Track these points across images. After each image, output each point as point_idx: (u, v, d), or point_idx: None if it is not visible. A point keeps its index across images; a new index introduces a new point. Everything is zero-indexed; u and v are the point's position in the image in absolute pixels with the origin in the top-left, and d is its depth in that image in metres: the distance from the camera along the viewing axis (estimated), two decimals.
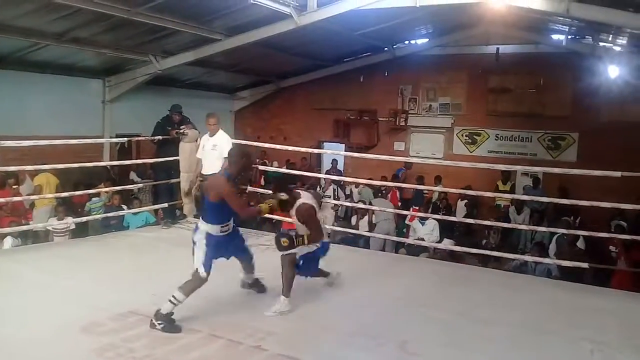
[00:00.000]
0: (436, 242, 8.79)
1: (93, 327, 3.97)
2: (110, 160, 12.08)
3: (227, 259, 4.52)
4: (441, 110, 14.79)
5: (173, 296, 4.07)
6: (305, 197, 4.64)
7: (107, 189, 9.30)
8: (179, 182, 7.53)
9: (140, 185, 10.31)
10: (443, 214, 10.07)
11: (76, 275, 5.11)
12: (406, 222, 10.05)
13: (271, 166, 13.32)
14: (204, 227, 4.29)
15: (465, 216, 10.66)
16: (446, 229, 9.61)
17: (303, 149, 8.92)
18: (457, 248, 7.03)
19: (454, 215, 10.69)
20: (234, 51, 11.58)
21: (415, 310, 4.73)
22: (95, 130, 12.25)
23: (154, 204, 8.70)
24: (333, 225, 10.38)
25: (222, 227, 4.33)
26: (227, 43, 11.24)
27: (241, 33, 10.98)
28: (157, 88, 13.01)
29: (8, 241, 7.53)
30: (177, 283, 4.16)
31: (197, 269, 4.19)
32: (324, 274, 5.04)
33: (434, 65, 14.47)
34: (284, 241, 4.52)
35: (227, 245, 4.44)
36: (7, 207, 8.52)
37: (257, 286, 4.94)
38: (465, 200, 11.80)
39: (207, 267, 4.21)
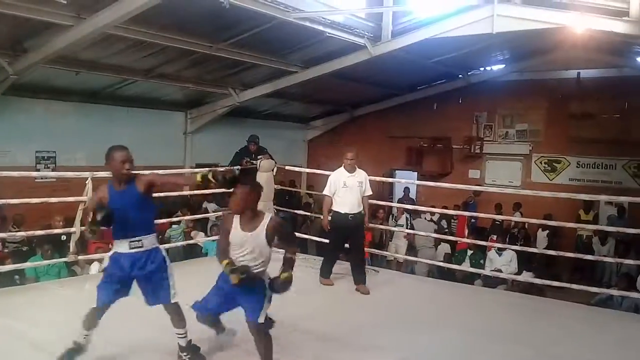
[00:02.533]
0: (514, 274, 8.50)
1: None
2: (190, 190, 12.56)
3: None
4: (518, 137, 14.41)
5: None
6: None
7: (186, 217, 9.67)
8: None
9: (219, 213, 10.64)
10: (521, 245, 9.74)
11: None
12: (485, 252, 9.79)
13: None
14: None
15: (547, 247, 10.24)
16: (525, 260, 9.28)
17: (376, 178, 8.93)
18: (538, 280, 6.76)
19: (533, 246, 10.29)
20: (308, 82, 11.88)
21: (494, 345, 4.58)
22: (177, 160, 12.86)
23: None
24: (406, 254, 10.34)
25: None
26: (303, 75, 11.57)
27: (317, 65, 11.27)
28: (235, 119, 13.50)
29: (95, 266, 7.84)
30: None
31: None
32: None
33: (510, 91, 14.17)
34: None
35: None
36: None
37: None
38: (547, 231, 11.36)
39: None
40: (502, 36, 9.65)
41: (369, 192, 6.32)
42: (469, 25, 9.35)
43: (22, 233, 6.36)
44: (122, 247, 3.78)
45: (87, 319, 3.78)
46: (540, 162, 14.08)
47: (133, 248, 3.76)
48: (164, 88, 11.87)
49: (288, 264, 3.66)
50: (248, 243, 3.66)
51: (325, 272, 6.25)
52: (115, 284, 3.79)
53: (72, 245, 5.92)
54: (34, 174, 9.71)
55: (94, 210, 3.69)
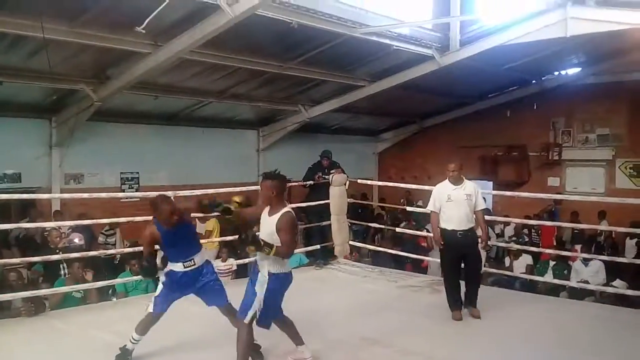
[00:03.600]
0: (603, 285, 8.07)
1: None
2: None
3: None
4: (600, 142, 13.79)
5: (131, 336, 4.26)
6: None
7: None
8: (330, 225, 7.81)
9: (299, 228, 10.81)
10: (609, 254, 9.24)
11: None
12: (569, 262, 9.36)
13: (415, 206, 13.26)
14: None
15: (636, 256, 9.67)
16: (613, 271, 8.79)
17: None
18: (630, 292, 6.39)
19: (621, 256, 9.73)
20: (376, 95, 11.92)
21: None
22: (251, 177, 13.17)
23: (305, 246, 9.07)
24: (485, 265, 10.05)
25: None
26: (371, 88, 11.64)
27: (384, 78, 11.30)
28: (305, 135, 13.71)
29: None
30: (336, 319, 4.32)
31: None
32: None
33: (588, 95, 13.59)
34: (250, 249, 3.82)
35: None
36: None
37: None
38: (635, 239, 10.73)
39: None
40: (576, 39, 9.31)
41: (482, 206, 5.54)
42: (540, 30, 9.13)
43: (113, 251, 6.73)
44: (176, 267, 4.24)
45: (142, 325, 4.23)
46: (625, 167, 13.36)
47: (187, 267, 4.24)
48: (237, 108, 12.27)
49: (268, 245, 3.75)
50: (264, 226, 3.99)
51: (452, 303, 5.44)
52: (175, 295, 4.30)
53: (158, 261, 6.19)
54: (120, 195, 10.29)
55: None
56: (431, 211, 5.72)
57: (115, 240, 9.62)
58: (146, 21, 6.69)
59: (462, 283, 5.53)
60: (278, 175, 4.04)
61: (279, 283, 3.95)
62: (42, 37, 6.78)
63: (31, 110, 9.81)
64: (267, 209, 4.00)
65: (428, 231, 9.63)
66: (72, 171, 10.40)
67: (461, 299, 5.43)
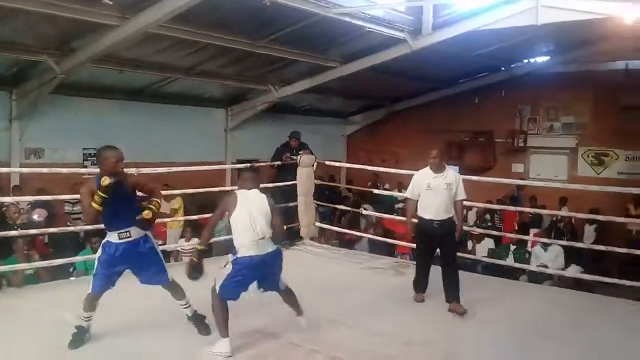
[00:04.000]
0: (561, 269, 8.29)
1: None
2: (231, 185, 12.74)
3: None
4: (564, 130, 14.08)
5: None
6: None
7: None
8: (297, 206, 7.78)
9: None
10: (568, 240, 9.48)
11: (202, 292, 5.42)
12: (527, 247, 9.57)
13: (382, 189, 13.36)
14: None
15: (594, 242, 9.95)
16: (572, 256, 9.03)
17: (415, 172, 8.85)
18: (587, 276, 6.58)
19: (579, 241, 10.00)
20: (347, 77, 11.87)
21: (546, 344, 4.46)
22: (218, 156, 13.06)
23: None
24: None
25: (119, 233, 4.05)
26: (342, 70, 11.57)
27: (356, 59, 11.24)
28: (274, 115, 13.58)
29: None
30: (301, 301, 4.39)
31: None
32: (295, 307, 4.43)
33: (555, 84, 13.79)
34: (187, 270, 4.06)
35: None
36: None
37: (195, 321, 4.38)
38: (595, 225, 11.03)
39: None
40: (546, 27, 9.40)
41: (462, 196, 5.35)
42: (512, 17, 9.18)
43: (73, 228, 6.56)
44: (112, 237, 4.05)
45: (87, 303, 4.09)
46: (587, 156, 13.69)
47: (122, 239, 4.03)
48: (205, 85, 12.07)
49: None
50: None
51: (418, 286, 5.40)
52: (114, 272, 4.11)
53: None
54: (82, 170, 10.02)
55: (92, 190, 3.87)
56: (407, 198, 5.56)
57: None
58: None
59: (434, 272, 5.40)
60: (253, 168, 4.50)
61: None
62: (7, 6, 6.49)
63: None
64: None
65: (396, 215, 9.74)
66: (32, 145, 10.12)
67: (426, 284, 5.37)
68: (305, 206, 7.69)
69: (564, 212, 11.03)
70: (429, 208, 5.25)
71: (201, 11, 7.86)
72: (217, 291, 4.03)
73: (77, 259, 6.67)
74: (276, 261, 4.21)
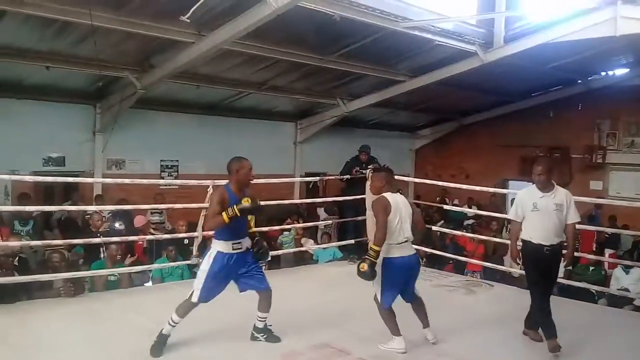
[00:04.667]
0: None
1: (293, 355, 4.26)
2: (300, 197, 12.92)
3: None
4: None
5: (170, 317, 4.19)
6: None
7: (299, 225, 9.91)
8: (365, 220, 7.77)
9: (329, 222, 10.80)
10: None
11: (274, 304, 5.51)
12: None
13: (452, 205, 13.10)
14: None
15: None
16: None
17: (486, 189, 8.64)
18: None
19: None
20: (416, 90, 11.80)
21: None
22: (288, 169, 13.27)
23: (339, 240, 9.07)
24: (521, 268, 9.87)
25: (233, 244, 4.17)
26: (411, 84, 11.52)
27: (425, 73, 11.16)
28: (342, 129, 13.69)
29: None
30: (363, 316, 4.38)
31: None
32: (422, 319, 4.53)
33: (635, 97, 13.09)
34: (362, 266, 4.16)
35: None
36: None
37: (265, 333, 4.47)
38: None
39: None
40: (625, 39, 8.97)
41: (575, 219, 4.73)
42: (589, 28, 8.85)
43: (150, 237, 6.86)
44: (224, 247, 4.14)
45: (182, 309, 4.18)
46: None
47: (235, 249, 4.17)
48: (276, 100, 12.33)
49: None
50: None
51: (546, 330, 4.56)
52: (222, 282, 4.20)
53: (194, 248, 6.29)
54: (161, 181, 10.50)
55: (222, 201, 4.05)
56: (511, 220, 5.00)
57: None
58: (191, 10, 6.75)
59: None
60: (387, 168, 4.66)
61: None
62: (90, 24, 6.92)
63: (77, 96, 10.08)
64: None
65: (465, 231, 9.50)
66: (114, 157, 10.66)
67: (554, 323, 4.51)
68: (374, 220, 7.65)
69: None
70: (538, 231, 4.64)
71: (272, 28, 8.05)
72: (380, 302, 4.28)
73: (155, 266, 6.96)
74: (418, 263, 4.50)
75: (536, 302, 4.65)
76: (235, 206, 3.96)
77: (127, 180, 7.30)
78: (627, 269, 8.52)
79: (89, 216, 8.33)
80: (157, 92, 10.21)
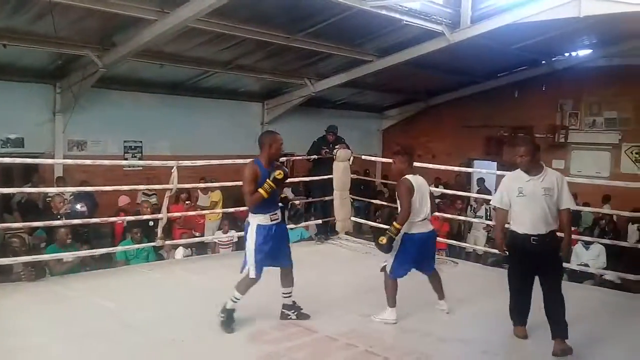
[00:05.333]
0: (603, 269, 8.08)
1: (259, 335, 4.25)
2: None
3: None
4: (607, 126, 13.66)
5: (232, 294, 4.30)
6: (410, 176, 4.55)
7: None
8: (333, 200, 7.79)
9: (296, 202, 10.74)
10: (610, 238, 9.23)
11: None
12: None
13: None
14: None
15: (638, 242, 9.65)
16: (614, 255, 8.80)
17: (452, 168, 8.77)
18: (632, 276, 6.38)
19: (622, 240, 9.71)
20: (383, 71, 11.80)
21: (589, 344, 4.34)
22: (254, 150, 13.05)
23: (307, 220, 9.07)
24: (485, 246, 10.08)
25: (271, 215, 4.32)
26: (379, 64, 11.50)
27: (392, 53, 11.16)
28: (310, 109, 13.63)
29: (180, 252, 8.14)
30: (330, 295, 4.39)
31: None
32: (438, 290, 4.82)
33: (598, 78, 13.39)
34: (381, 239, 4.41)
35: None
36: (180, 220, 9.39)
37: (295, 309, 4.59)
38: (638, 224, 10.70)
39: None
40: (589, 20, 9.12)
41: (569, 204, 4.26)
42: (553, 9, 8.94)
43: (114, 218, 6.72)
44: (263, 220, 4.28)
45: (244, 287, 4.29)
46: (631, 152, 13.27)
47: (273, 220, 4.31)
48: (242, 79, 12.17)
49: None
50: None
51: (515, 316, 4.38)
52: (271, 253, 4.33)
53: (159, 230, 6.20)
54: (123, 162, 10.28)
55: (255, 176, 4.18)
56: (496, 207, 4.55)
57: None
58: None
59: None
60: (409, 150, 4.74)
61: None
62: (48, 0, 6.67)
63: (35, 75, 9.77)
64: None
65: None
66: (75, 138, 10.41)
67: (526, 313, 4.32)
68: (341, 200, 7.69)
69: (606, 210, 10.73)
70: (524, 220, 4.20)
71: (238, 5, 7.93)
72: (389, 272, 4.51)
73: (119, 248, 6.84)
74: (435, 239, 4.75)
75: (511, 293, 4.35)
76: (269, 180, 4.12)
77: (88, 162, 7.12)
78: (587, 245, 8.79)
79: (50, 199, 8.13)
80: (119, 71, 9.96)
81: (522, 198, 4.21)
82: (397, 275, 4.52)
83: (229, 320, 4.28)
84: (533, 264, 4.19)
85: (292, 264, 4.48)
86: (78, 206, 8.11)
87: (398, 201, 4.54)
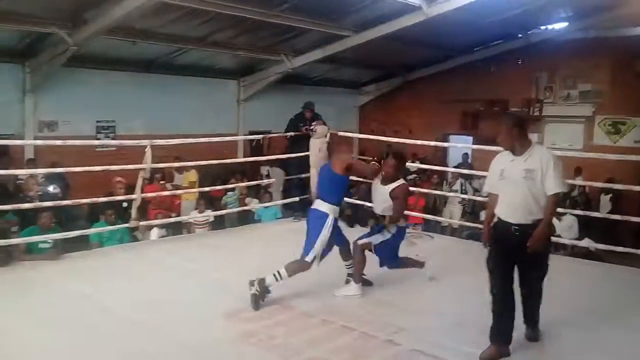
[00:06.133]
0: (575, 240, 8.24)
1: (237, 313, 4.25)
2: (244, 157, 12.76)
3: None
4: (581, 99, 13.81)
5: (278, 272, 4.42)
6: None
7: (242, 184, 9.81)
8: (309, 177, 7.76)
9: (272, 180, 10.72)
10: (582, 209, 9.40)
11: (217, 264, 5.48)
12: None
13: None
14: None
15: (610, 212, 9.85)
16: (586, 226, 8.98)
17: (430, 143, 8.79)
18: (602, 246, 6.52)
19: (594, 211, 9.90)
20: (361, 46, 11.70)
21: (559, 312, 4.43)
22: (230, 128, 13.03)
23: (284, 198, 9.05)
24: (460, 220, 10.22)
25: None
26: (356, 39, 11.42)
27: (369, 28, 11.06)
28: (287, 86, 13.49)
29: (155, 232, 8.04)
30: (312, 272, 4.47)
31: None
32: (417, 264, 5.11)
33: (573, 51, 13.46)
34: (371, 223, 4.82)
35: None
36: (155, 200, 9.29)
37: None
38: (610, 195, 10.91)
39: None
40: None
41: (554, 188, 3.54)
42: None
43: (86, 200, 6.59)
44: (336, 212, 4.65)
45: (294, 269, 4.48)
46: (604, 124, 13.46)
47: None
48: (217, 56, 11.98)
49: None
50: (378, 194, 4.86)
51: (498, 330, 3.65)
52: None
53: (133, 212, 6.12)
54: (96, 142, 10.09)
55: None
56: (488, 193, 3.97)
57: None
58: None
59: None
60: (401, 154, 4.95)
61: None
62: None
63: (3, 54, 9.51)
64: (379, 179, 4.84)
65: None
66: (46, 118, 10.17)
67: (511, 325, 3.65)
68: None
69: (578, 182, 10.89)
70: (504, 206, 3.68)
71: None
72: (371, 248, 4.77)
73: (92, 230, 6.74)
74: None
75: (496, 299, 3.67)
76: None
77: (59, 142, 6.94)
78: (559, 216, 8.92)
79: (21, 181, 7.95)
80: (90, 49, 9.71)
81: (502, 182, 3.69)
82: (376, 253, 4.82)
83: (260, 295, 4.30)
84: (514, 255, 3.64)
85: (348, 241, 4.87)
86: (51, 188, 7.94)
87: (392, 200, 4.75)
